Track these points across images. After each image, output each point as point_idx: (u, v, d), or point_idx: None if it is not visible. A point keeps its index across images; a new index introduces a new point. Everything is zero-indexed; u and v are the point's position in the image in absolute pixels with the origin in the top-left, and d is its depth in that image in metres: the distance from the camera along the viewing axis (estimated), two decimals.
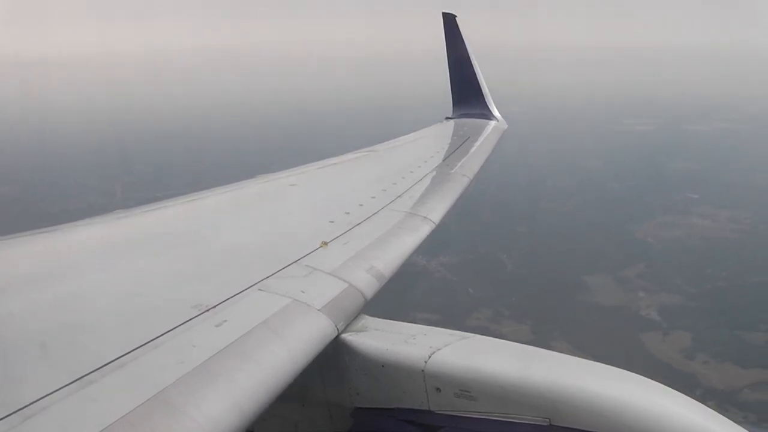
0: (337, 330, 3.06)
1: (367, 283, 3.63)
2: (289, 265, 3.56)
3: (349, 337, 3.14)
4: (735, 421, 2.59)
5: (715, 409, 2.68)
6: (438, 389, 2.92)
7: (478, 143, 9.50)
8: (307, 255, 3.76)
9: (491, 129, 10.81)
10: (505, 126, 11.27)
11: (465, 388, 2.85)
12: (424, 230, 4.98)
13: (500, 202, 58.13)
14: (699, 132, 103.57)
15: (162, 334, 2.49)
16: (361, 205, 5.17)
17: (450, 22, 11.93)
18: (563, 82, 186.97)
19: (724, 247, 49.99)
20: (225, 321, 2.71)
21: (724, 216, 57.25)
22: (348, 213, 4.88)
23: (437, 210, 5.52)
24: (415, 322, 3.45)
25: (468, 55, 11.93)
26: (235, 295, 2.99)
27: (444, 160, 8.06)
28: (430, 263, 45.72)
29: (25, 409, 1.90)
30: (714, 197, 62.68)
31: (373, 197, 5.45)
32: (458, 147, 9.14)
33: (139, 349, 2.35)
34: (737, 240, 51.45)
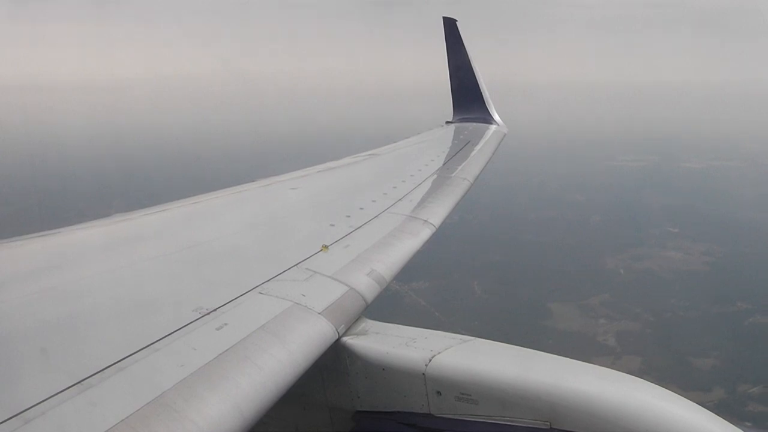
0: (338, 333, 3.05)
1: (367, 286, 3.61)
2: (290, 268, 3.56)
3: (349, 340, 3.13)
4: (734, 424, 2.65)
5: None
6: (439, 393, 2.92)
7: (478, 147, 9.51)
8: (307, 258, 3.76)
9: (491, 133, 10.82)
10: (506, 130, 11.24)
11: (466, 391, 2.86)
12: (424, 234, 4.98)
13: (481, 232, 59.74)
14: (692, 169, 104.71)
15: (163, 337, 2.49)
16: (361, 208, 5.17)
17: (451, 26, 12.03)
18: (566, 117, 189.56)
19: (692, 279, 50.98)
20: (226, 324, 2.71)
21: (698, 249, 58.30)
22: (349, 216, 4.88)
23: (438, 213, 5.52)
24: None
25: (468, 59, 11.96)
26: (235, 299, 3.00)
27: (444, 164, 8.06)
28: (403, 288, 47.18)
29: (26, 412, 1.90)
30: (693, 232, 63.66)
31: (374, 201, 5.46)
32: (458, 151, 9.16)
33: (139, 352, 2.35)
34: (706, 272, 52.47)
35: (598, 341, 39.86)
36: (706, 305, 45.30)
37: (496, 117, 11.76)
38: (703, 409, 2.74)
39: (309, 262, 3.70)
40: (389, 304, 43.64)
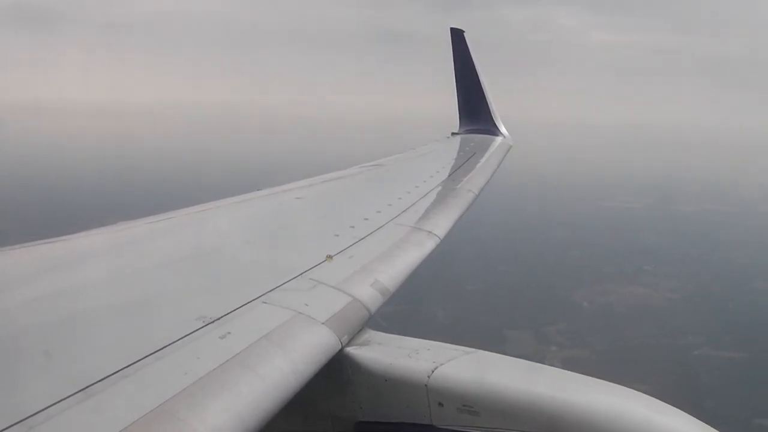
0: (341, 343, 3.05)
1: (371, 297, 3.63)
2: (294, 278, 3.56)
3: (352, 350, 3.12)
4: None
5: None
6: (441, 404, 2.91)
7: (483, 159, 9.59)
8: (311, 268, 3.77)
9: (497, 145, 10.93)
10: (512, 143, 11.32)
11: (468, 403, 2.85)
12: (428, 245, 4.97)
13: (461, 261, 61.34)
14: (684, 212, 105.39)
15: (166, 346, 2.50)
16: (366, 219, 5.15)
17: (458, 37, 12.16)
18: (568, 155, 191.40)
19: (652, 313, 52.59)
20: (229, 333, 2.73)
21: (665, 286, 59.71)
22: (353, 227, 4.85)
23: (442, 225, 5.54)
24: None
25: (475, 70, 12.09)
26: (239, 308, 3.00)
27: (449, 176, 8.11)
28: None
29: (29, 419, 1.91)
30: (666, 270, 64.92)
31: (379, 211, 5.44)
32: (464, 162, 9.25)
33: (143, 360, 2.36)
34: (667, 308, 54.02)
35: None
36: (658, 337, 46.92)
37: (503, 129, 11.87)
38: (710, 427, 2.69)
39: (313, 272, 3.72)
40: None
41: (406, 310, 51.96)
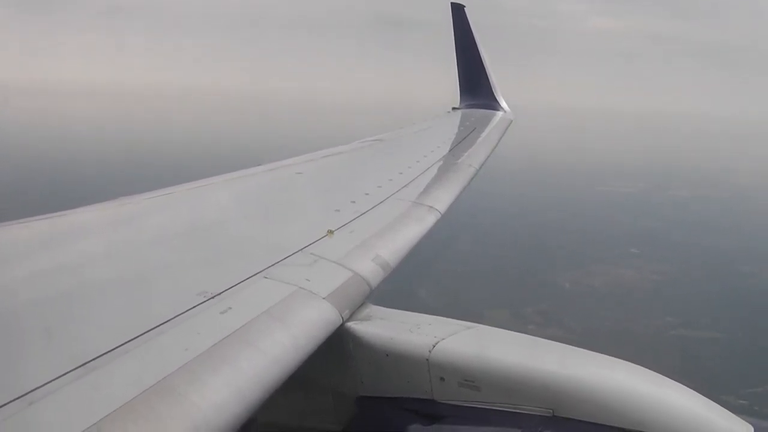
0: (342, 318, 3.05)
1: (372, 272, 3.63)
2: (295, 253, 3.55)
3: (353, 325, 3.12)
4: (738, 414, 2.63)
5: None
6: (442, 378, 2.92)
7: (484, 134, 9.56)
8: (312, 243, 3.76)
9: (498, 120, 10.93)
10: (512, 117, 11.36)
11: (469, 377, 2.85)
12: (429, 220, 5.00)
13: (452, 243, 61.66)
14: (679, 197, 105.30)
15: (166, 321, 2.49)
16: (367, 194, 5.16)
17: (458, 12, 12.14)
18: (566, 140, 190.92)
19: (633, 295, 53.01)
20: (230, 308, 2.73)
21: (650, 269, 60.03)
22: (354, 202, 4.87)
23: (443, 200, 5.56)
24: None
25: (476, 45, 12.08)
26: (240, 283, 3.00)
27: (450, 151, 8.15)
28: None
29: (29, 394, 1.90)
30: (653, 254, 65.05)
31: (380, 186, 5.44)
32: (465, 137, 9.22)
33: (143, 336, 2.35)
34: (648, 290, 54.44)
35: None
36: (636, 318, 47.33)
37: (503, 103, 11.87)
38: (710, 400, 2.72)
39: (314, 247, 3.71)
40: None
41: (390, 288, 51.47)
